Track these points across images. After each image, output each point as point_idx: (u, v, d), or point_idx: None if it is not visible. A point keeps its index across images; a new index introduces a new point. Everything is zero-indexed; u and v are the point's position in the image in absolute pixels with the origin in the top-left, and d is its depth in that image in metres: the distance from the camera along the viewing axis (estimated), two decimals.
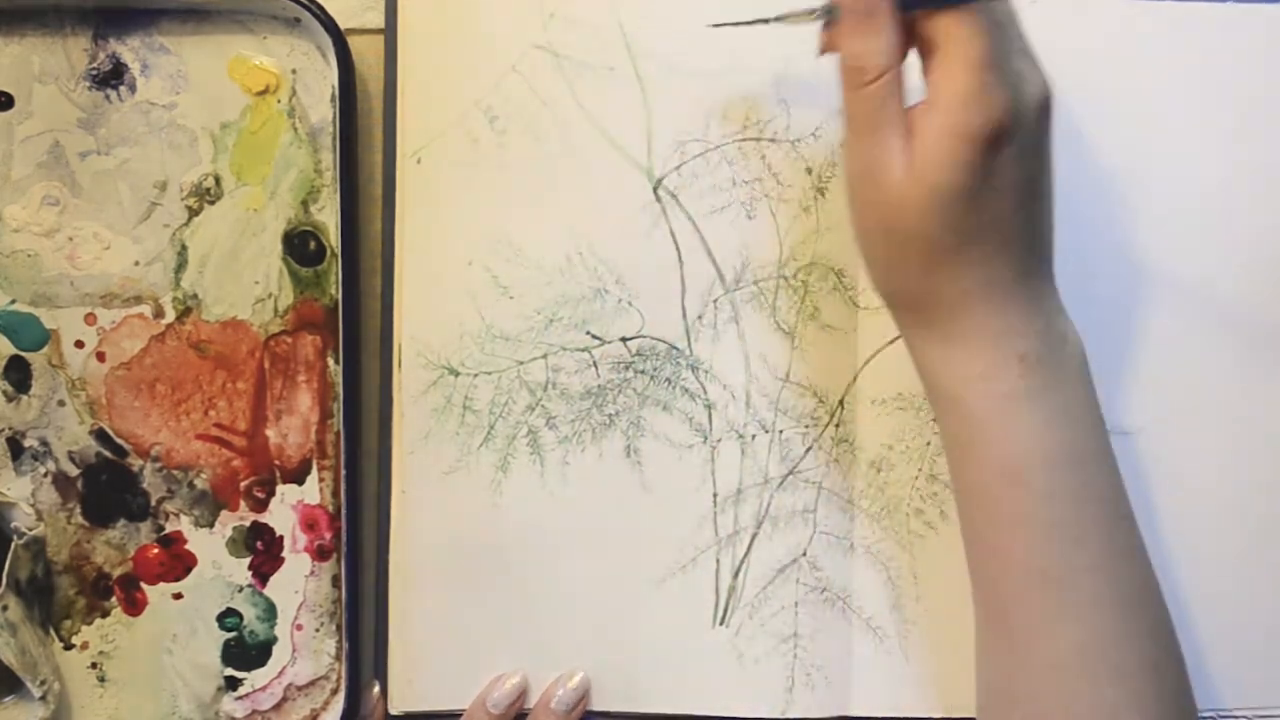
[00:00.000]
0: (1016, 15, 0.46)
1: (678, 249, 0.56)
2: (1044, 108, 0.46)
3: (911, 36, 0.46)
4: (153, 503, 0.56)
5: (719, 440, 0.56)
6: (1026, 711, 0.47)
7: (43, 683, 0.54)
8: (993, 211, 0.45)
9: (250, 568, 0.56)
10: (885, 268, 0.48)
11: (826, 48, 0.47)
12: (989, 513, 0.48)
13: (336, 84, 0.54)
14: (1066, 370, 0.47)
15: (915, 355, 0.49)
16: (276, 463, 0.56)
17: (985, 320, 0.47)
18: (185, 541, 0.56)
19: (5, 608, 0.53)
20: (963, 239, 0.45)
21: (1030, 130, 0.45)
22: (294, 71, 0.55)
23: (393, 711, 0.56)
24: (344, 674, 0.55)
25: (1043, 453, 0.46)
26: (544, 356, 0.55)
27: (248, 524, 0.56)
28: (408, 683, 0.56)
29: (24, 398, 0.55)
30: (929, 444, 0.57)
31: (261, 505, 0.56)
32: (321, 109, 0.55)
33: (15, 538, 0.54)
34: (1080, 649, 0.46)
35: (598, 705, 0.56)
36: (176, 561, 0.56)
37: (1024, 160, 0.45)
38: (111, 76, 0.55)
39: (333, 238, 0.55)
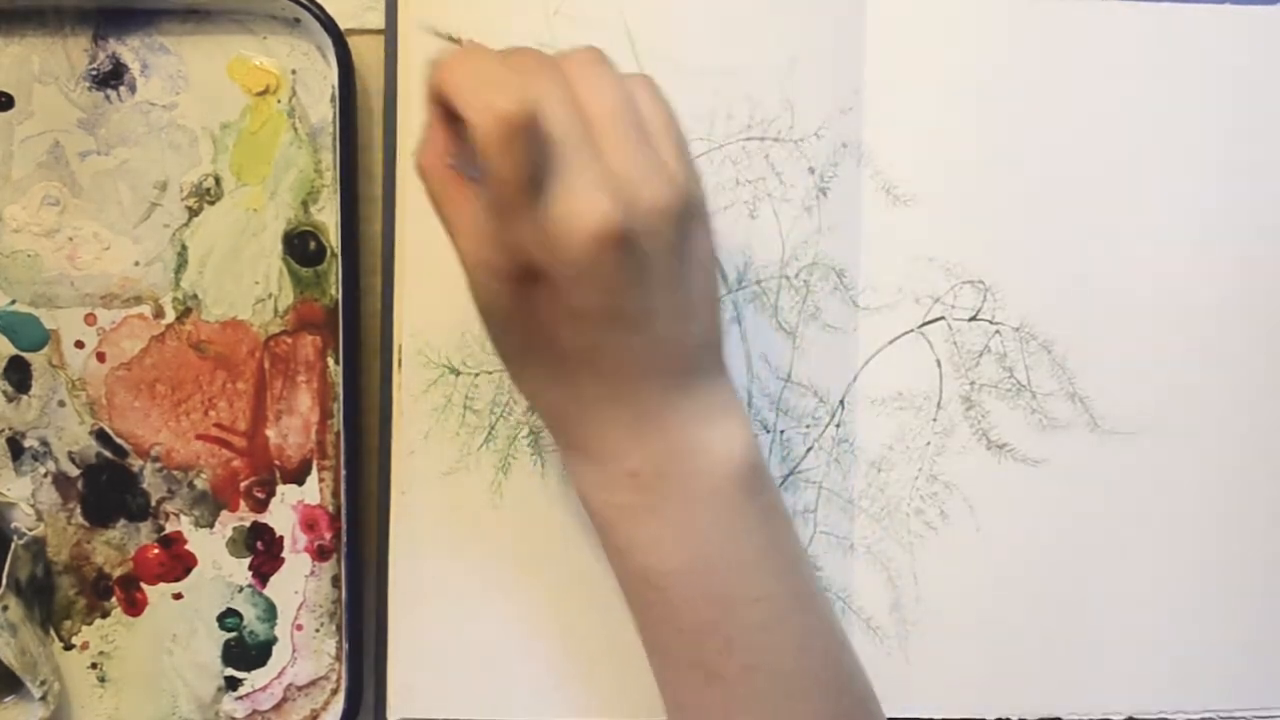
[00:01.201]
0: None
1: None
2: (602, 242, 0.41)
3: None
4: (153, 503, 0.56)
5: None
6: None
7: (43, 683, 0.54)
8: (556, 340, 0.44)
9: (250, 568, 0.56)
10: (515, 377, 0.48)
11: None
12: (640, 611, 0.48)
13: (336, 84, 0.54)
14: (695, 486, 0.45)
15: (562, 463, 0.50)
16: (276, 463, 0.56)
17: (592, 435, 0.46)
18: (185, 542, 0.56)
19: (5, 608, 0.53)
20: (543, 357, 0.45)
21: (580, 263, 0.41)
22: (294, 72, 0.55)
23: (391, 719, 0.55)
24: (344, 674, 0.55)
25: (673, 563, 0.46)
26: None
27: (248, 524, 0.56)
28: (407, 689, 0.56)
29: (24, 398, 0.55)
30: (929, 444, 0.57)
31: (261, 505, 0.56)
32: (321, 109, 0.55)
33: (15, 538, 0.54)
34: None
35: (598, 709, 0.56)
36: (176, 562, 0.56)
37: (583, 292, 0.42)
38: (111, 76, 0.55)
39: (333, 238, 0.55)
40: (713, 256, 0.45)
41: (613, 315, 0.43)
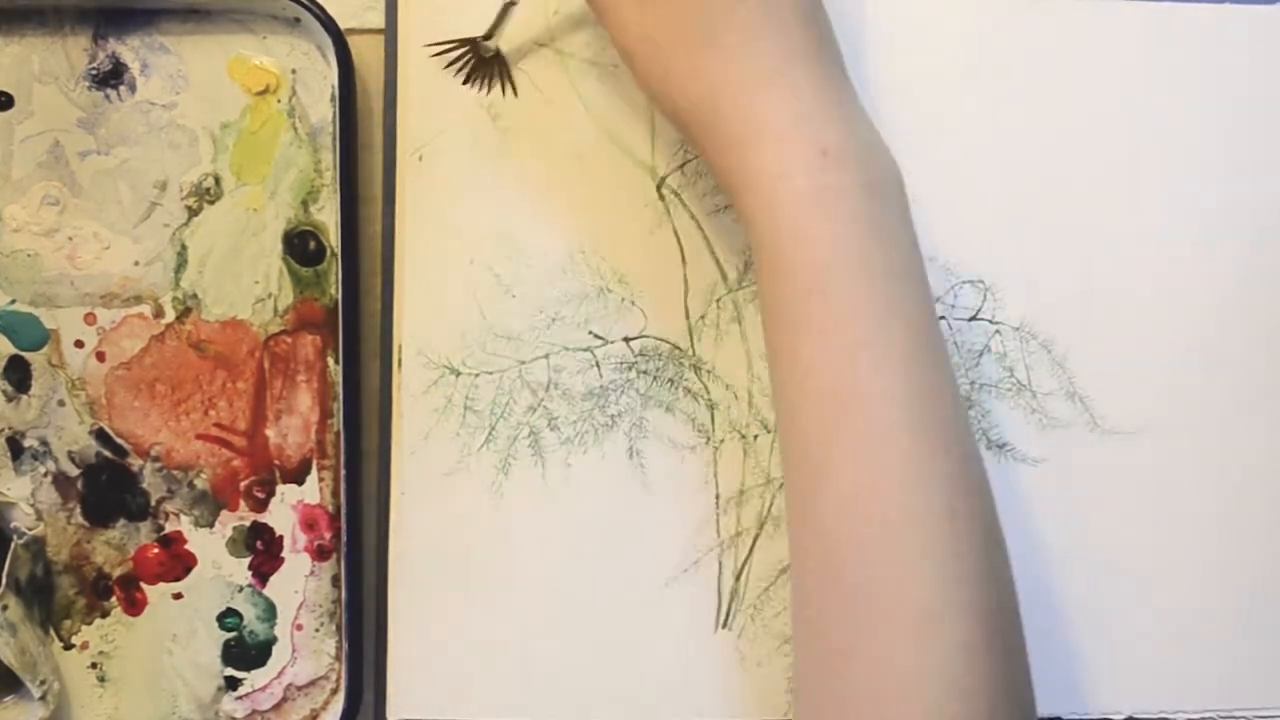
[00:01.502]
0: None
1: (681, 248, 0.56)
2: None
3: None
4: (153, 503, 0.56)
5: (721, 441, 0.56)
6: (824, 557, 0.44)
7: (42, 683, 0.54)
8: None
9: (250, 568, 0.56)
10: (659, 78, 0.45)
11: None
12: (789, 327, 0.44)
13: (336, 84, 0.54)
14: (878, 174, 0.44)
15: (717, 177, 0.46)
16: (276, 463, 0.56)
17: (775, 109, 0.43)
18: (185, 541, 0.56)
19: (5, 607, 0.53)
20: (698, 25, 0.43)
21: None
22: (294, 71, 0.55)
23: (391, 719, 0.55)
24: (344, 674, 0.55)
25: (848, 259, 0.43)
26: (546, 356, 0.55)
27: (248, 524, 0.56)
28: (406, 691, 0.56)
29: (24, 398, 0.55)
30: None
31: (261, 505, 0.56)
32: (321, 109, 0.55)
33: (15, 537, 0.54)
34: (872, 489, 0.43)
35: (599, 712, 0.56)
36: (176, 561, 0.56)
37: None
38: (111, 76, 0.55)
39: (333, 237, 0.55)
40: None
41: None
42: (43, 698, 0.54)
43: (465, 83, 0.54)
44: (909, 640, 0.42)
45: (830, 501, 0.43)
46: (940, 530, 0.42)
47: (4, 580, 0.53)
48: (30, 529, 0.55)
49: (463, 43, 0.54)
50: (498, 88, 0.55)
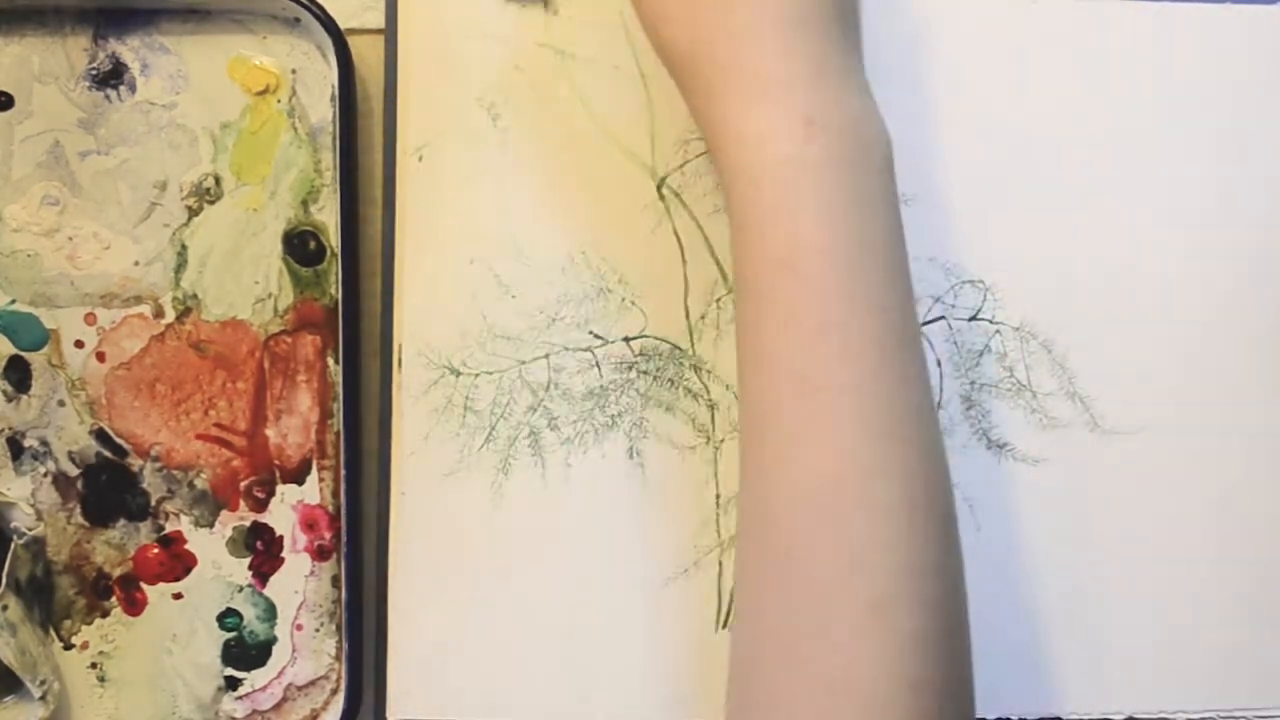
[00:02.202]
0: None
1: (681, 248, 0.56)
2: None
3: None
4: (153, 503, 0.56)
5: (722, 441, 0.56)
6: (774, 543, 0.43)
7: (42, 682, 0.54)
8: None
9: (250, 568, 0.56)
10: (656, 20, 0.44)
11: None
12: (759, 305, 0.43)
13: (336, 84, 0.54)
14: (864, 152, 0.43)
15: (702, 129, 0.45)
16: (276, 463, 0.56)
17: (764, 66, 0.42)
18: (185, 541, 0.56)
19: (5, 607, 0.53)
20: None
21: None
22: (294, 71, 0.55)
23: (391, 719, 0.55)
24: (344, 674, 0.55)
25: (821, 236, 0.42)
26: (546, 356, 0.55)
27: (248, 524, 0.56)
28: (406, 692, 0.56)
29: (24, 398, 0.55)
30: None
31: (261, 505, 0.56)
32: (321, 109, 0.55)
33: (15, 537, 0.54)
34: (832, 479, 0.41)
35: (598, 712, 0.56)
36: (176, 561, 0.56)
37: None
38: (111, 76, 0.55)
39: (333, 238, 0.55)
40: None
41: None
42: (43, 698, 0.54)
43: None
44: (860, 630, 0.41)
45: (786, 488, 0.42)
46: (898, 522, 0.42)
47: (4, 580, 0.53)
48: (30, 529, 0.55)
49: None
50: (499, 85, 0.55)
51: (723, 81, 0.43)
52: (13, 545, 0.54)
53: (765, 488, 0.43)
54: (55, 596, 0.56)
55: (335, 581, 0.56)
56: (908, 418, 0.43)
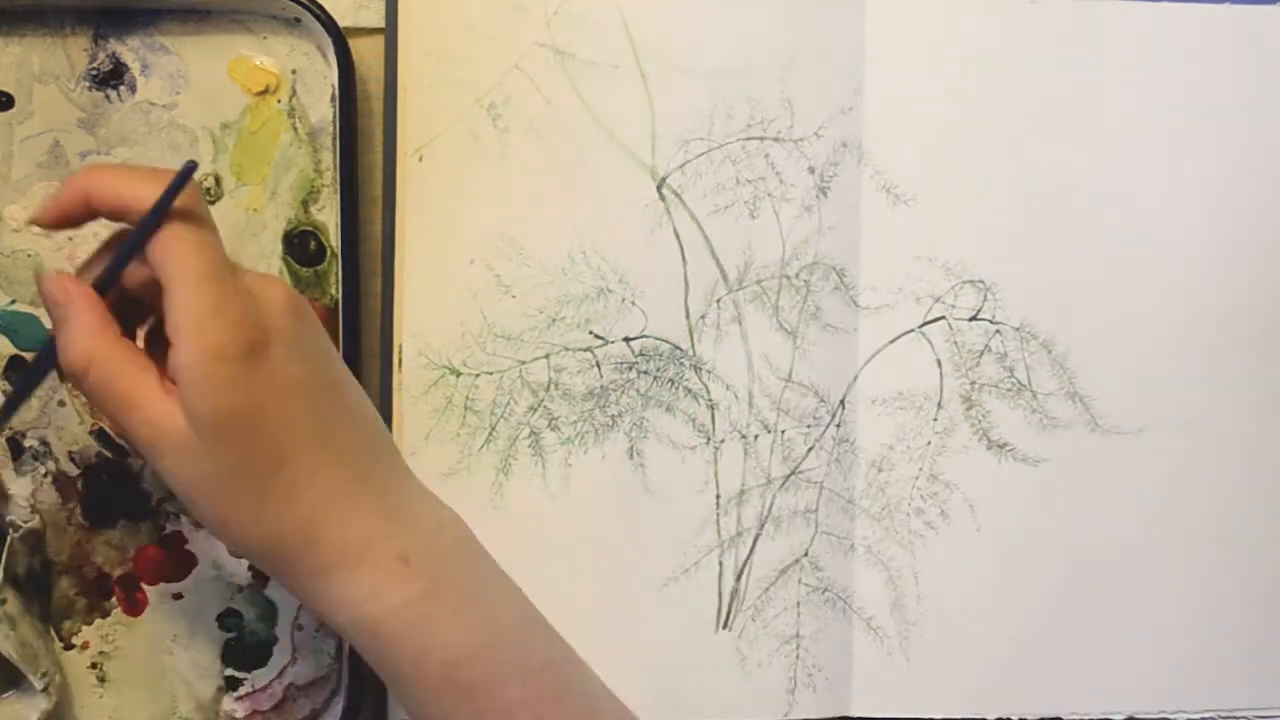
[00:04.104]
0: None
1: (681, 248, 0.56)
2: (293, 309, 0.44)
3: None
4: (153, 503, 0.56)
5: (722, 441, 0.56)
6: None
7: (44, 675, 0.54)
8: (284, 422, 0.43)
9: (251, 568, 0.56)
10: (217, 527, 0.44)
11: None
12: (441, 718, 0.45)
13: (336, 84, 0.54)
14: (457, 554, 0.46)
15: (300, 598, 0.47)
16: None
17: (340, 534, 0.43)
18: (185, 541, 0.56)
19: (4, 601, 0.53)
20: (265, 461, 0.43)
21: (287, 331, 0.43)
22: (294, 71, 0.55)
23: (391, 718, 0.55)
24: (344, 674, 0.55)
25: (472, 646, 0.44)
26: (546, 356, 0.55)
27: None
28: None
29: None
30: (929, 444, 0.57)
31: None
32: (321, 109, 0.55)
33: (11, 531, 0.54)
34: None
35: None
36: (177, 562, 0.56)
37: (295, 362, 0.43)
38: (111, 76, 0.55)
39: (333, 238, 0.55)
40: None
41: (325, 382, 0.44)
42: (45, 689, 0.54)
43: None
44: None
45: None
46: None
47: (1, 574, 0.53)
48: (26, 522, 0.55)
49: None
50: (500, 85, 0.55)
51: (309, 561, 0.44)
52: (9, 538, 0.54)
53: None
54: (55, 595, 0.56)
55: None
56: (599, 699, 0.47)
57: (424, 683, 0.44)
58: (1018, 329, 0.57)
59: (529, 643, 0.46)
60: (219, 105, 0.55)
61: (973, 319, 0.57)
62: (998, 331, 0.57)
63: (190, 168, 0.43)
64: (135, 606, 0.56)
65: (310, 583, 0.44)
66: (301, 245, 0.55)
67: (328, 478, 0.44)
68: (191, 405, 0.41)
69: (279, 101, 0.55)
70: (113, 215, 0.44)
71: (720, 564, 0.56)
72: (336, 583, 0.44)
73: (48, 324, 0.55)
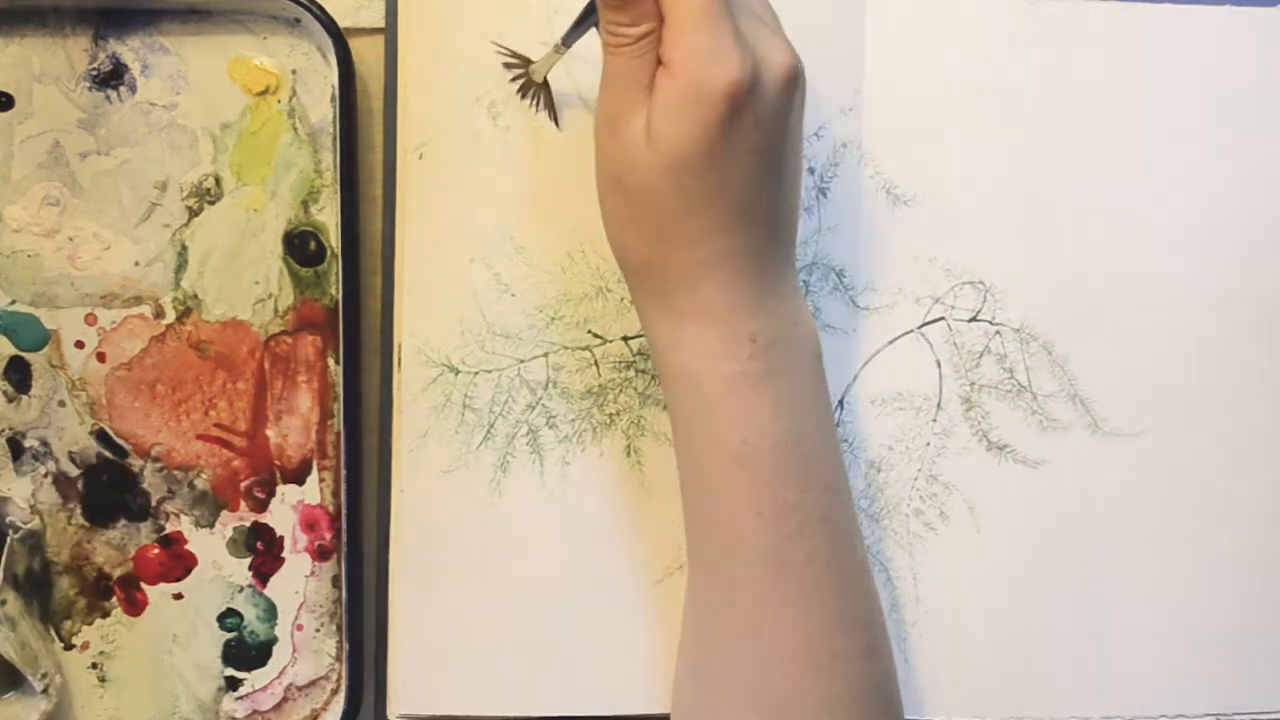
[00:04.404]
0: None
1: None
2: (789, 80, 0.45)
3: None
4: (153, 503, 0.56)
5: None
6: (747, 702, 0.47)
7: (44, 676, 0.54)
8: (728, 179, 0.44)
9: (250, 568, 0.56)
10: (619, 226, 0.47)
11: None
12: (717, 494, 0.47)
13: (336, 84, 0.54)
14: (797, 355, 0.47)
15: (645, 326, 0.48)
16: (276, 463, 0.56)
17: (715, 295, 0.46)
18: (185, 542, 0.56)
19: (4, 602, 0.53)
20: (695, 205, 0.44)
21: (771, 99, 0.44)
22: (294, 71, 0.55)
23: (391, 716, 0.55)
24: (344, 674, 0.55)
25: (772, 437, 0.46)
26: (545, 355, 0.55)
27: (248, 524, 0.56)
28: (407, 688, 0.55)
29: (24, 398, 0.55)
30: (929, 444, 0.57)
31: (262, 505, 0.56)
32: (321, 109, 0.55)
33: (11, 532, 0.54)
34: (806, 636, 0.47)
35: (597, 707, 0.56)
36: (177, 562, 0.56)
37: (764, 130, 0.44)
38: (111, 77, 0.55)
39: (333, 238, 0.55)
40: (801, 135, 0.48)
41: (779, 161, 0.45)
42: (45, 690, 0.54)
43: (519, 94, 0.54)
44: None
45: (762, 653, 0.47)
46: (864, 668, 0.48)
47: (1, 575, 0.53)
48: (25, 523, 0.55)
49: (516, 57, 0.54)
50: (500, 83, 0.55)
51: (675, 298, 0.47)
52: (9, 540, 0.54)
53: (736, 654, 0.48)
54: (55, 595, 0.56)
55: (335, 581, 0.56)
56: (857, 577, 0.49)
57: (716, 449, 0.47)
58: (1018, 330, 0.57)
59: (819, 465, 0.48)
60: (219, 105, 0.55)
61: (972, 320, 0.57)
62: (998, 333, 0.57)
63: None
64: (135, 606, 0.56)
65: (666, 315, 0.47)
66: (301, 245, 0.56)
67: (728, 243, 0.45)
68: (657, 130, 0.43)
69: (279, 102, 0.55)
70: None
71: None
72: (690, 327, 0.46)
73: (48, 324, 0.55)
